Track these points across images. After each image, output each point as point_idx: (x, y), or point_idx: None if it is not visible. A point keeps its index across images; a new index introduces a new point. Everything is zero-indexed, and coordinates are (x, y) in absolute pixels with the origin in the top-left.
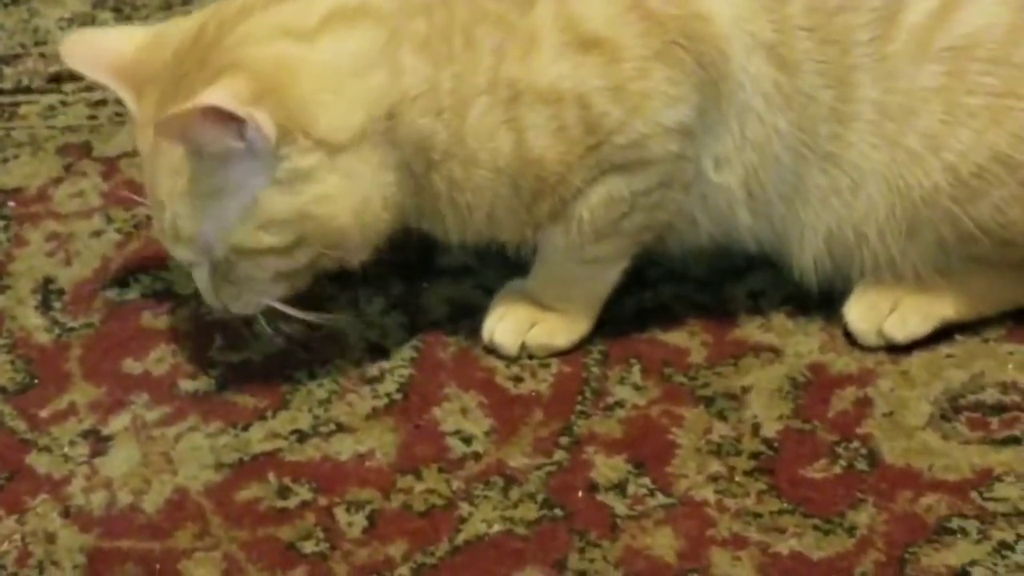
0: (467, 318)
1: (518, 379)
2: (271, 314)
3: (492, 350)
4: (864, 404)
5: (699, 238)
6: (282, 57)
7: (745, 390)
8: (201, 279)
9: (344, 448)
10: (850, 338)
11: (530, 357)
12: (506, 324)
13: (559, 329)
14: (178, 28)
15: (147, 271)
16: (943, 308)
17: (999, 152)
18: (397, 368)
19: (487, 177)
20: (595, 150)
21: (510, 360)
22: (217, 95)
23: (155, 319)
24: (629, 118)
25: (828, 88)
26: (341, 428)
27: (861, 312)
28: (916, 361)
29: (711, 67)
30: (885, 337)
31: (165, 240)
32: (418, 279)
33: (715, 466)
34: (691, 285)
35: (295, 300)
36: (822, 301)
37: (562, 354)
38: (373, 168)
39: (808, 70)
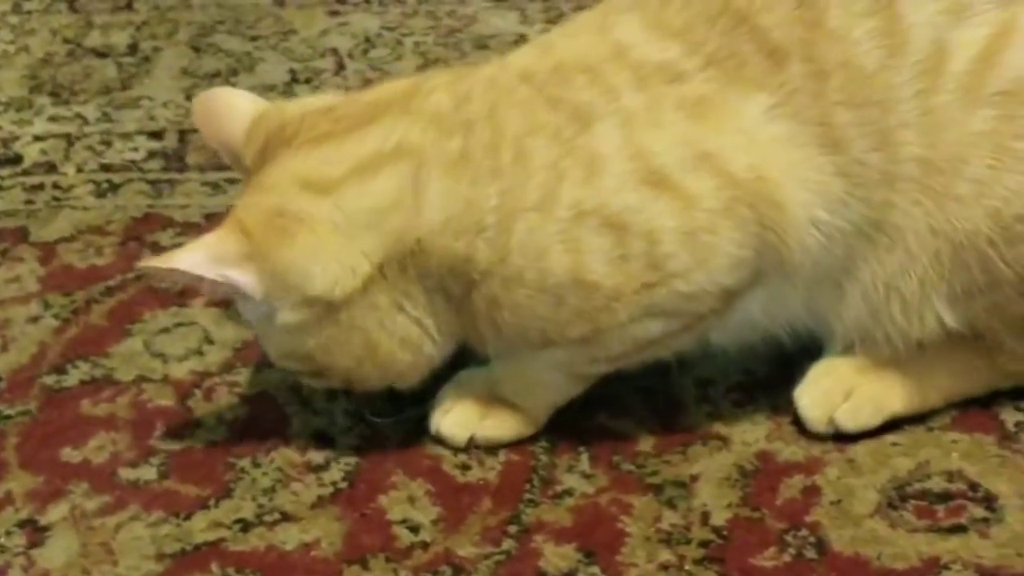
0: (413, 405)
1: (466, 467)
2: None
3: (440, 439)
4: (812, 492)
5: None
6: (282, 214)
7: (694, 478)
8: None
9: (289, 537)
10: (797, 425)
11: (477, 447)
12: (454, 417)
13: (510, 424)
14: (266, 124)
15: (86, 358)
16: (895, 402)
17: None
18: (343, 456)
19: (529, 296)
20: (651, 289)
21: (458, 448)
22: (190, 258)
23: (94, 407)
24: (696, 267)
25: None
26: (286, 517)
27: (814, 399)
28: (862, 449)
29: (773, 242)
30: (836, 425)
31: None
32: None
33: (665, 555)
34: (639, 373)
35: None
36: (768, 389)
37: (511, 443)
38: (383, 312)
39: (863, 181)
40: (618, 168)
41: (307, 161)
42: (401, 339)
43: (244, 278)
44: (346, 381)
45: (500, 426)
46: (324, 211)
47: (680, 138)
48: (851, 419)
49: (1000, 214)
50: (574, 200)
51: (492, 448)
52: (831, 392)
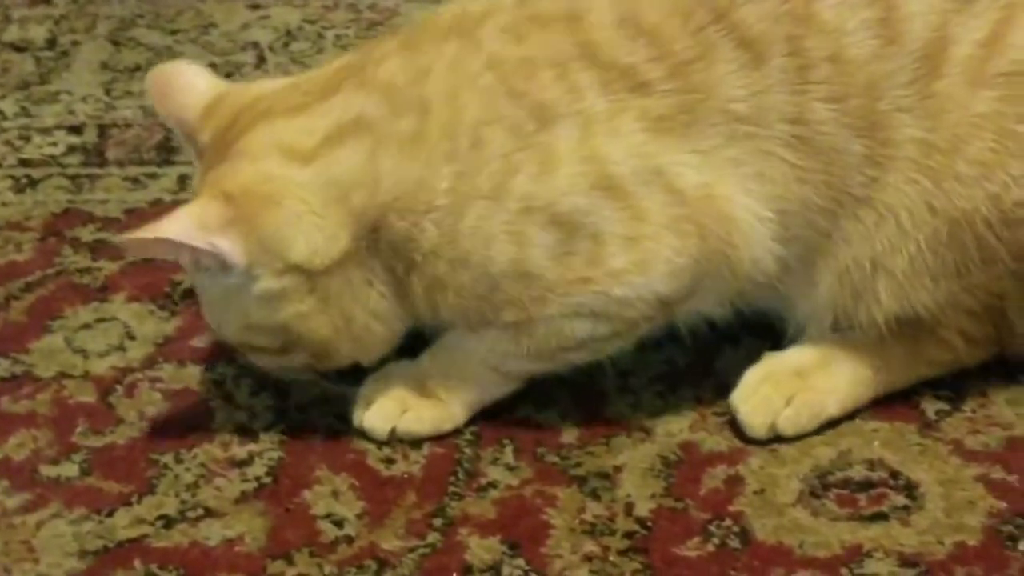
0: (338, 399)
1: (390, 461)
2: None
3: (363, 433)
4: (735, 482)
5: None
6: (269, 180)
7: (617, 469)
8: None
9: (212, 533)
10: (720, 416)
11: (400, 441)
12: (375, 411)
13: (429, 418)
14: (232, 100)
15: (5, 354)
16: (831, 406)
17: None
18: (266, 451)
19: (473, 279)
20: (586, 285)
21: (382, 442)
22: (175, 226)
23: (14, 403)
24: (633, 270)
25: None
26: (209, 513)
27: (755, 406)
28: None
29: (718, 249)
30: (776, 431)
31: None
32: None
33: (589, 546)
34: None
35: None
36: (690, 379)
37: (433, 437)
38: (356, 287)
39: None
40: (571, 170)
41: (286, 130)
42: (373, 312)
43: (230, 246)
44: (316, 355)
45: (419, 420)
46: (306, 178)
47: (636, 149)
48: (792, 425)
49: (1000, 199)
50: (524, 194)
51: (414, 441)
52: (771, 399)
